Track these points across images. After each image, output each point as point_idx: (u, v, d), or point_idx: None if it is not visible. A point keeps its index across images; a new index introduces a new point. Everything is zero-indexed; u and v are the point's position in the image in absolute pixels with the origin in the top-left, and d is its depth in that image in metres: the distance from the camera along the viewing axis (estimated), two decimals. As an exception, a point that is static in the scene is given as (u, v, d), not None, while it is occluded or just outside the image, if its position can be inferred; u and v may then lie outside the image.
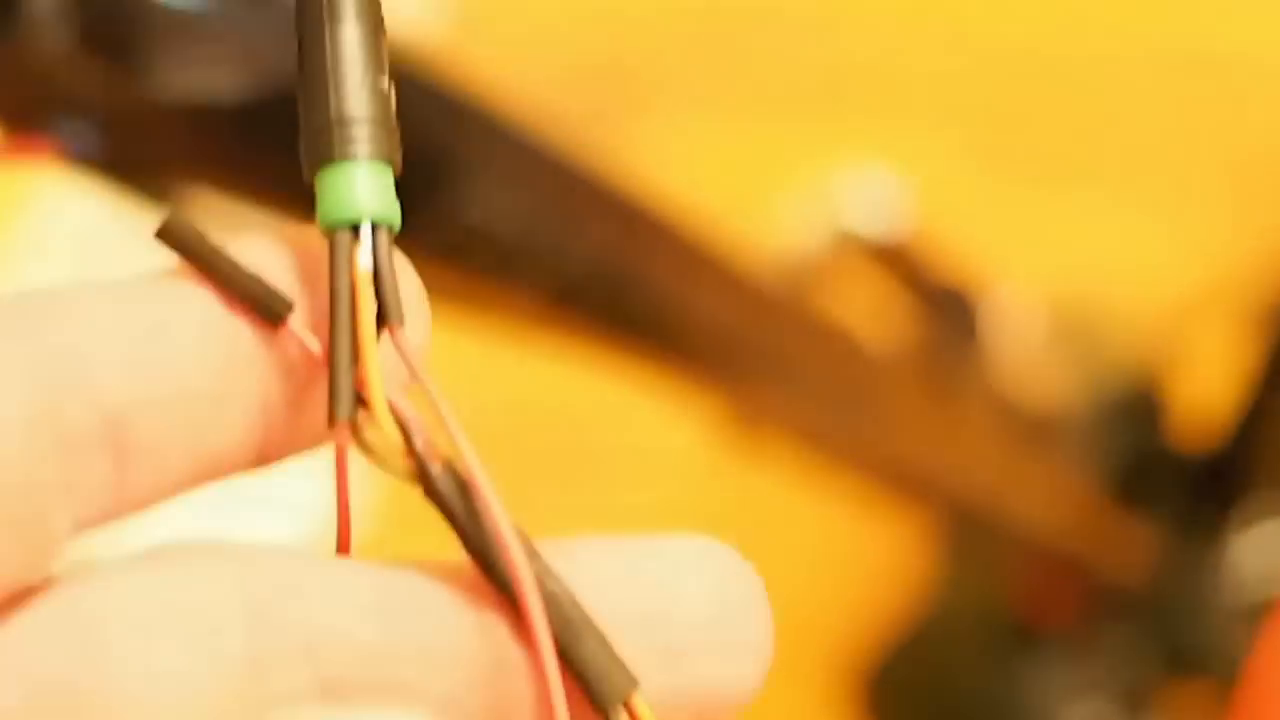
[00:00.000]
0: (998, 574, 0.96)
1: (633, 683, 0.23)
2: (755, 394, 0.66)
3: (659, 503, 0.96)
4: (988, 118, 1.17)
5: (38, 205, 1.01)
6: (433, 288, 0.48)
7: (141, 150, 0.39)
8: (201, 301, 0.23)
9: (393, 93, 0.24)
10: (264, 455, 0.24)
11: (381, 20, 0.25)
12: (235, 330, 0.23)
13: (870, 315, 0.76)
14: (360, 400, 0.23)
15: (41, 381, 0.22)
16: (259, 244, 0.24)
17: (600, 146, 0.52)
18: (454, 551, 0.24)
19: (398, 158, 0.24)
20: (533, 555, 0.23)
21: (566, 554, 0.24)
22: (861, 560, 1.00)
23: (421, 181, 0.45)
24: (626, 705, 0.23)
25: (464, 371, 0.98)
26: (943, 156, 1.14)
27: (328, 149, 0.24)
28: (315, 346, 0.24)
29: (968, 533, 0.94)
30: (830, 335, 0.68)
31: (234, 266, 0.23)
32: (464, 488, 0.23)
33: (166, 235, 0.23)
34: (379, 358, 0.23)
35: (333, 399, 0.23)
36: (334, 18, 0.24)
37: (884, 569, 0.99)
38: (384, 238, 0.24)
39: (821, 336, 0.67)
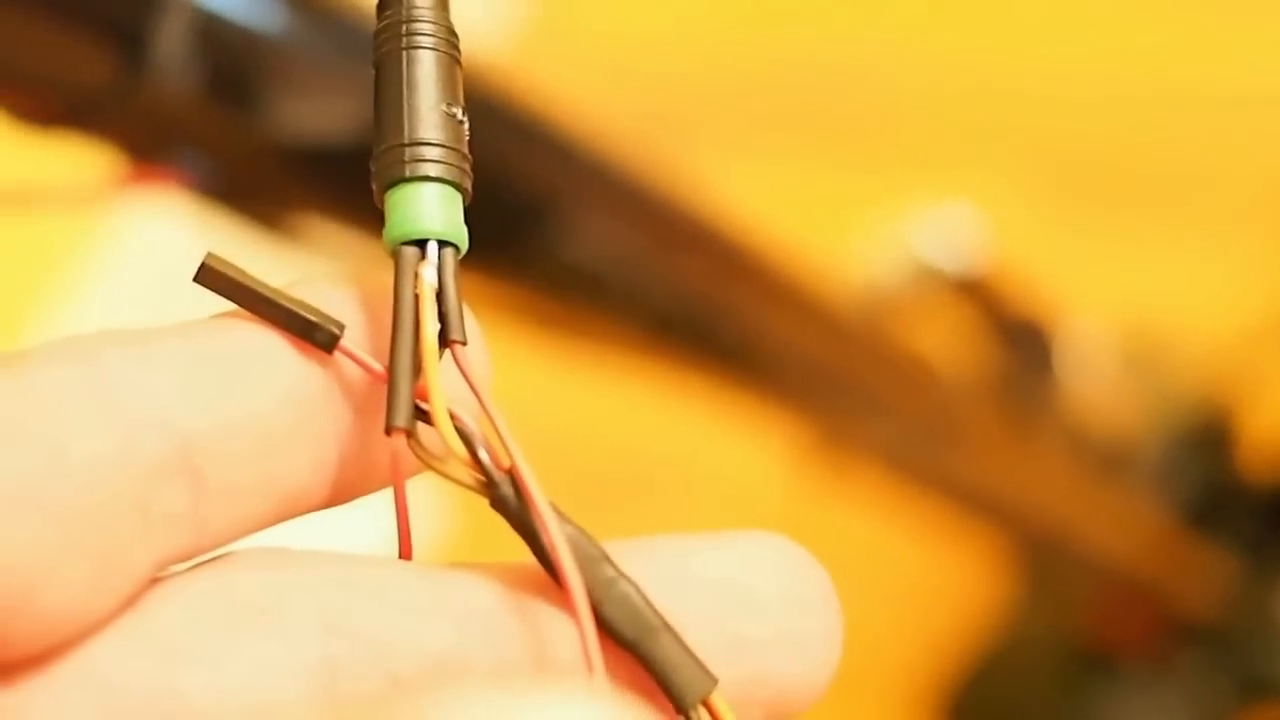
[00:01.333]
0: (1072, 602, 0.96)
1: (712, 681, 0.23)
2: (834, 424, 0.67)
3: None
4: (1060, 155, 1.17)
5: (143, 234, 1.03)
6: (522, 317, 0.50)
7: (257, 184, 0.40)
8: (265, 334, 0.23)
9: (466, 123, 0.25)
10: (339, 491, 0.24)
11: (458, 54, 0.25)
12: (300, 360, 0.23)
13: (947, 347, 0.76)
14: (421, 413, 0.23)
15: (115, 415, 0.22)
16: (315, 281, 0.24)
17: (685, 182, 0.53)
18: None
19: (468, 185, 0.25)
20: (602, 558, 0.23)
21: (636, 553, 0.24)
22: (937, 589, 1.00)
23: (518, 217, 0.46)
24: (705, 704, 0.23)
25: (544, 400, 0.99)
26: (1017, 193, 1.15)
27: (399, 169, 0.24)
28: (375, 365, 0.24)
29: (1042, 561, 0.94)
30: (908, 367, 0.69)
31: (280, 298, 0.23)
32: (522, 496, 0.23)
33: (207, 277, 0.23)
34: (440, 370, 0.23)
35: (390, 408, 0.23)
36: (412, 45, 0.25)
37: (959, 597, 0.99)
38: (450, 256, 0.24)
39: (900, 368, 0.68)
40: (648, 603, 0.23)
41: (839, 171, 1.17)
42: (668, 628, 0.23)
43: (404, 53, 0.25)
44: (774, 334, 0.59)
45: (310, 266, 0.42)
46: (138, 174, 0.37)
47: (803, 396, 0.62)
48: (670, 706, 0.23)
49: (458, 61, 0.25)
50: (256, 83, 0.37)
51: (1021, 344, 0.80)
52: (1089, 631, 0.95)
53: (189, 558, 0.23)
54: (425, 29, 0.25)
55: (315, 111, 0.38)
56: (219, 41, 0.36)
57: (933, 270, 0.76)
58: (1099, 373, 0.86)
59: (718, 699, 0.23)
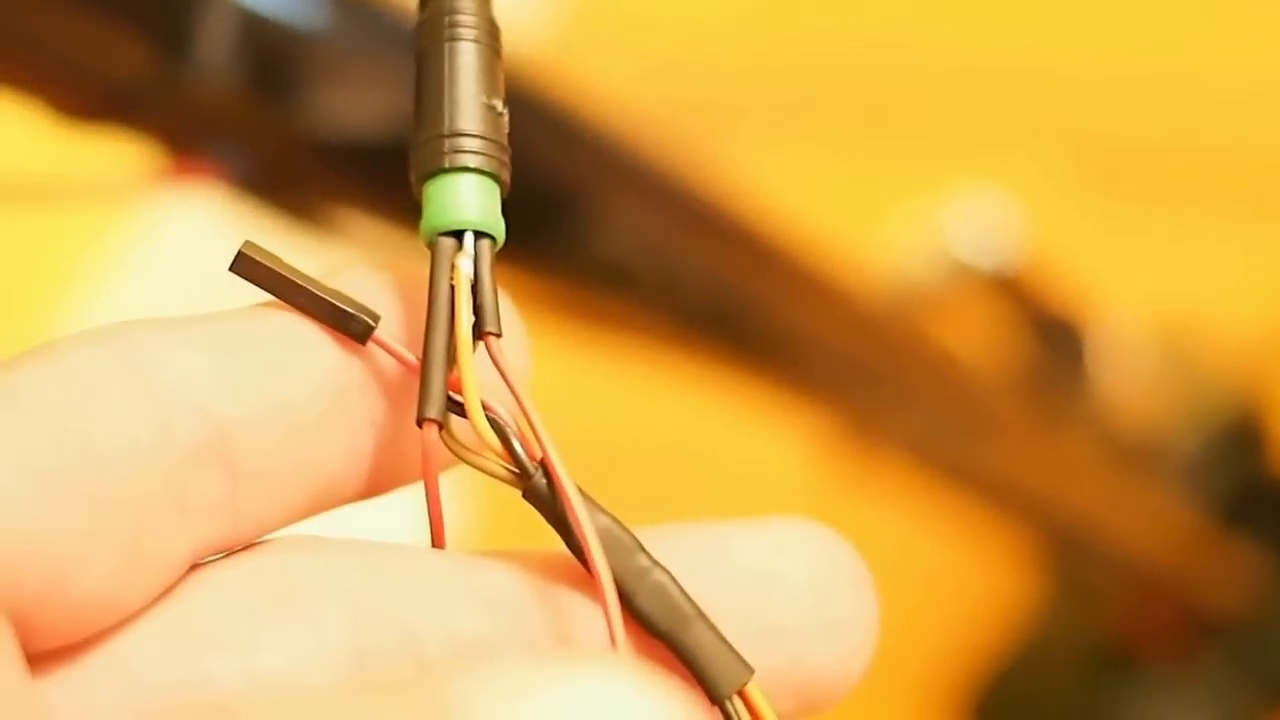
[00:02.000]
0: (1098, 600, 0.96)
1: (748, 671, 0.23)
2: (863, 418, 0.67)
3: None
4: (1095, 146, 1.17)
5: (181, 228, 1.04)
6: (552, 308, 0.50)
7: (296, 178, 0.41)
8: (300, 323, 0.23)
9: (506, 116, 0.25)
10: (374, 483, 0.24)
11: (499, 47, 0.25)
12: (334, 350, 0.23)
13: (979, 340, 0.76)
14: (454, 404, 0.23)
15: (150, 401, 0.22)
16: (352, 271, 0.24)
17: (716, 173, 0.53)
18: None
19: (506, 176, 0.25)
20: (636, 548, 0.23)
21: (667, 539, 0.24)
22: (963, 584, 1.00)
23: (549, 209, 0.46)
24: (741, 694, 0.23)
25: (572, 391, 0.99)
26: (1051, 184, 1.14)
27: (437, 159, 0.24)
28: (409, 356, 0.24)
29: (1070, 559, 0.94)
30: (938, 360, 0.69)
31: (315, 288, 0.23)
32: (553, 487, 0.23)
33: (243, 266, 0.23)
34: (474, 361, 0.23)
35: (422, 398, 0.23)
36: (454, 37, 0.25)
37: (985, 593, 0.99)
38: (486, 248, 0.24)
39: (930, 361, 0.68)
40: (682, 592, 0.23)
41: (873, 161, 1.17)
42: (702, 617, 0.23)
43: (446, 45, 0.25)
44: (804, 326, 0.59)
45: (346, 259, 0.43)
46: (177, 167, 0.37)
47: (831, 389, 0.62)
48: (705, 697, 0.23)
49: (499, 55, 0.25)
50: (296, 77, 0.38)
51: (1053, 338, 0.80)
52: (1115, 629, 0.95)
53: (225, 547, 0.23)
54: (467, 22, 0.25)
55: (354, 105, 0.39)
56: (260, 36, 0.36)
57: (965, 262, 0.76)
58: (1131, 367, 0.86)
59: (753, 689, 0.23)
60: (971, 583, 1.00)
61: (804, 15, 1.24)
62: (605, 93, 0.49)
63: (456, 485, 0.25)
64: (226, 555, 0.23)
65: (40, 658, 0.21)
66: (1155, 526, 0.85)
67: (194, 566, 0.23)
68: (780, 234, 0.55)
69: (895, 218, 0.89)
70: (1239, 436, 0.96)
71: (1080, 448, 0.78)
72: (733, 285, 0.55)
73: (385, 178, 0.40)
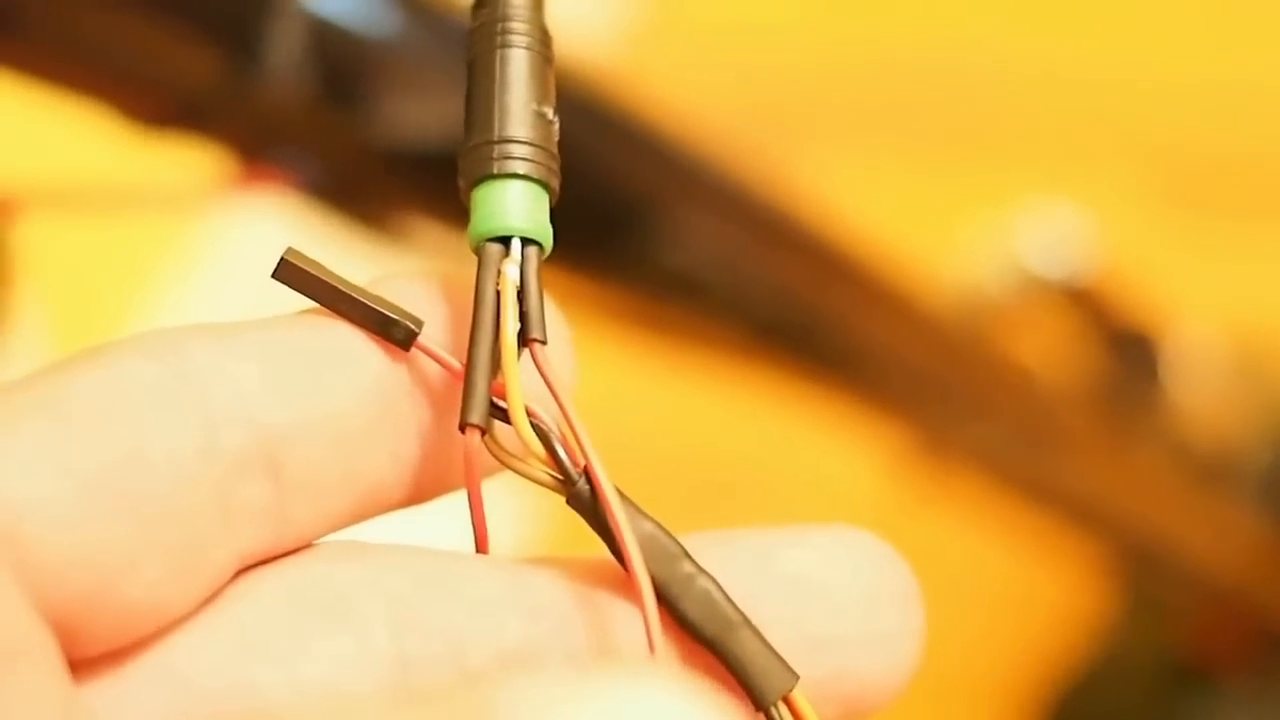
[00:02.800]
0: (1172, 615, 0.95)
1: (793, 678, 0.23)
2: (935, 431, 0.66)
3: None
4: (1167, 157, 1.16)
5: (251, 234, 1.04)
6: (621, 318, 0.50)
7: (365, 185, 0.41)
8: (346, 330, 0.23)
9: (557, 124, 0.25)
10: (420, 489, 0.24)
11: (551, 55, 0.25)
12: (380, 357, 0.23)
13: (1051, 354, 0.76)
14: (499, 410, 0.23)
15: (198, 408, 0.22)
16: (397, 278, 0.24)
17: (787, 184, 0.53)
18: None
19: (555, 184, 0.25)
20: (681, 555, 0.23)
21: (715, 546, 0.24)
22: (1036, 600, 0.99)
23: (619, 219, 0.46)
24: (786, 700, 0.23)
25: (640, 401, 1.00)
26: (1124, 195, 1.14)
27: (486, 165, 0.24)
28: (454, 362, 0.24)
29: (1143, 573, 0.93)
30: (1010, 373, 0.68)
31: (358, 294, 0.23)
32: (596, 494, 0.23)
33: (286, 273, 0.23)
34: (519, 368, 0.23)
35: (465, 404, 0.23)
36: (506, 44, 0.25)
37: (1057, 608, 0.99)
38: (533, 254, 0.24)
39: (1001, 375, 0.68)
40: (727, 599, 0.23)
41: (945, 172, 1.16)
42: (748, 624, 0.23)
43: (498, 51, 0.25)
44: (874, 338, 0.58)
45: (413, 266, 0.43)
46: (246, 175, 0.37)
47: (901, 402, 0.62)
48: (750, 704, 0.23)
49: (551, 62, 0.25)
50: (365, 85, 0.38)
51: (1126, 351, 0.79)
52: (1188, 643, 0.94)
53: (272, 554, 0.23)
54: (519, 29, 0.25)
55: (423, 114, 0.39)
56: (329, 44, 0.36)
57: (1037, 274, 0.76)
58: (1205, 380, 0.86)
59: (798, 696, 0.23)
60: (1043, 597, 0.99)
61: (875, 25, 1.23)
62: (677, 100, 0.49)
63: (511, 491, 0.25)
64: (274, 562, 0.23)
65: (85, 664, 0.21)
66: (1228, 540, 0.85)
67: (239, 573, 0.23)
68: (851, 245, 0.55)
69: (967, 229, 0.89)
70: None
71: (1153, 461, 0.78)
72: (803, 297, 0.54)
73: (453, 185, 0.40)
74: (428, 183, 0.40)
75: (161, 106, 0.35)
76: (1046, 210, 0.87)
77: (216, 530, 0.22)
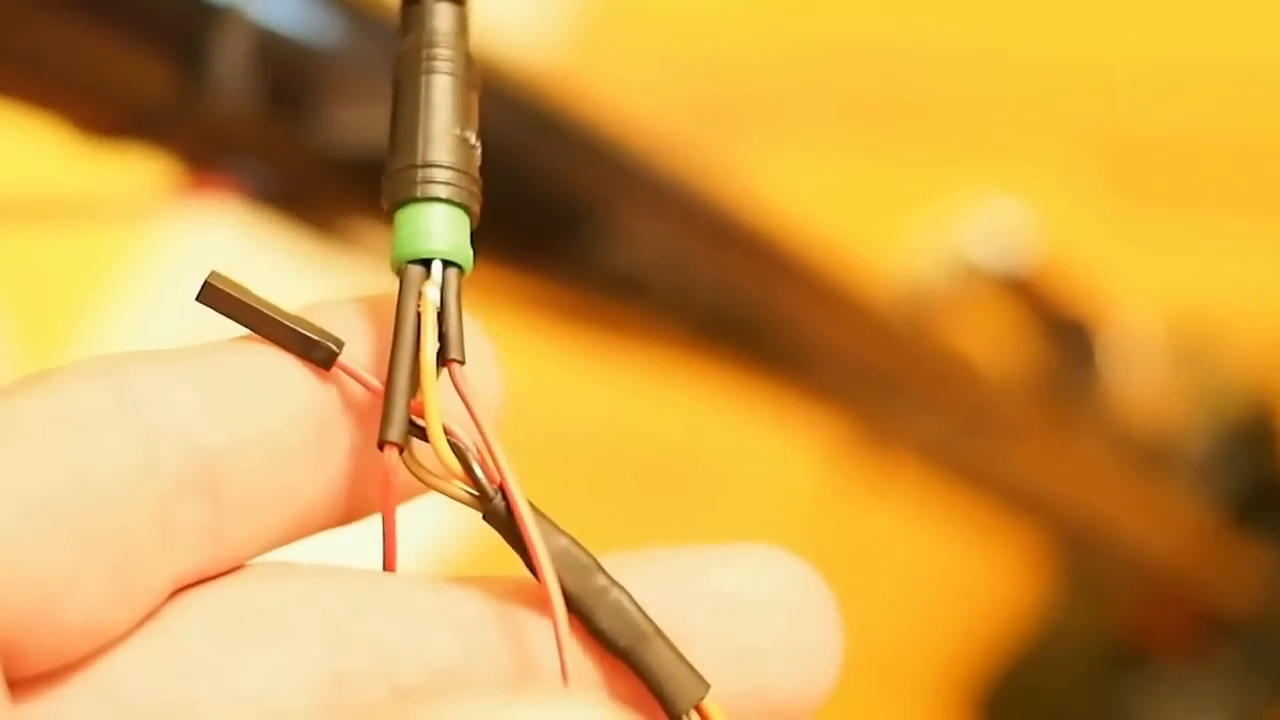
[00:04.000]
0: (1110, 598, 0.96)
1: (703, 686, 0.24)
2: (876, 422, 0.67)
3: (773, 526, 0.97)
4: (1107, 143, 1.17)
5: (200, 243, 1.04)
6: (563, 314, 0.50)
7: (313, 192, 0.41)
8: (279, 355, 0.24)
9: (479, 148, 0.25)
10: (352, 508, 0.25)
11: (476, 80, 0.26)
12: (310, 379, 0.24)
13: (991, 344, 0.77)
14: (419, 429, 0.24)
15: (138, 433, 0.22)
16: (323, 301, 0.25)
17: (728, 178, 0.54)
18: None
19: (477, 207, 0.25)
20: (594, 568, 0.24)
21: (638, 565, 0.24)
22: (973, 584, 1.00)
23: (561, 218, 0.46)
24: (698, 709, 0.24)
25: (581, 394, 1.00)
26: (1063, 183, 1.14)
27: (409, 188, 0.25)
28: (374, 382, 0.24)
29: (1081, 557, 0.94)
30: (950, 364, 0.69)
31: (280, 316, 0.24)
32: (511, 511, 0.24)
33: (210, 296, 0.24)
34: (437, 387, 0.24)
35: (384, 422, 0.23)
36: (431, 70, 0.25)
37: (996, 593, 0.99)
38: (454, 276, 0.24)
39: (942, 365, 0.68)
40: (640, 610, 0.24)
41: (885, 165, 1.17)
42: (659, 634, 0.24)
43: (422, 77, 0.25)
44: (817, 332, 0.59)
45: (364, 271, 0.43)
46: (195, 183, 0.37)
47: (843, 393, 0.63)
48: (664, 713, 0.24)
49: (475, 88, 0.26)
50: (312, 93, 0.38)
51: (1066, 339, 0.80)
52: (1127, 627, 0.95)
53: (207, 573, 0.23)
54: (444, 55, 0.25)
55: (369, 120, 0.39)
56: (276, 54, 0.36)
57: (977, 265, 0.77)
58: (1144, 366, 0.86)
59: (710, 704, 0.24)
60: (983, 582, 1.00)
61: (815, 18, 1.24)
62: (620, 95, 0.49)
63: (447, 507, 0.25)
64: (210, 581, 0.23)
65: (24, 683, 0.22)
66: (1167, 526, 0.86)
67: (175, 592, 0.23)
68: (793, 240, 0.56)
69: (907, 222, 0.89)
70: (1251, 436, 0.96)
71: (1093, 448, 0.79)
72: (746, 292, 0.55)
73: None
74: (374, 188, 0.40)
75: (109, 117, 0.35)
76: (986, 202, 0.88)
77: (155, 550, 0.22)
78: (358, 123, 0.39)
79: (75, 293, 1.09)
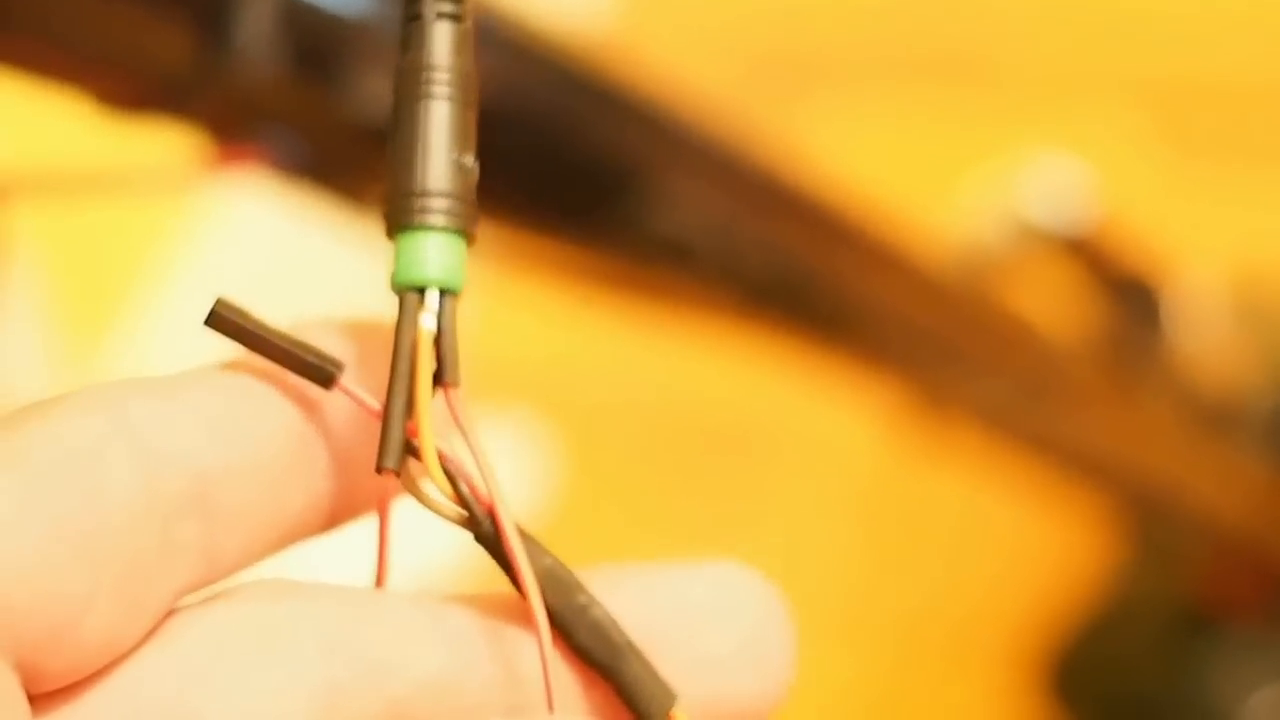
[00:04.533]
0: (1179, 563, 0.95)
1: (672, 697, 0.25)
2: (936, 388, 0.66)
3: (834, 493, 0.97)
4: (1164, 98, 1.16)
5: (232, 214, 1.04)
6: (616, 284, 0.50)
7: (342, 161, 0.41)
8: (272, 377, 0.26)
9: (476, 170, 0.26)
10: (336, 518, 0.27)
11: (475, 100, 0.26)
12: (303, 400, 0.26)
13: (1052, 306, 0.76)
14: (413, 449, 0.25)
15: (143, 458, 0.24)
16: (323, 324, 0.27)
17: (779, 141, 0.53)
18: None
19: (474, 230, 0.26)
20: (576, 587, 0.25)
21: (616, 580, 0.26)
22: (1042, 551, 0.99)
23: (611, 186, 0.46)
24: (669, 717, 0.25)
25: (639, 363, 1.00)
26: (1125, 139, 1.13)
27: (407, 216, 0.26)
28: (372, 403, 0.26)
29: (1149, 522, 0.93)
30: (1011, 327, 0.68)
31: (282, 340, 0.25)
32: (498, 532, 0.25)
33: (215, 321, 0.25)
34: (432, 415, 0.25)
35: (382, 447, 0.25)
36: (429, 94, 0.26)
37: (1064, 560, 0.99)
38: (450, 303, 0.26)
39: (1002, 328, 0.67)
40: (616, 627, 0.25)
41: (941, 123, 1.16)
42: (633, 649, 0.25)
43: (420, 102, 0.26)
44: (873, 297, 0.58)
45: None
46: (224, 154, 0.37)
47: (901, 359, 0.62)
48: None
49: (473, 107, 0.26)
50: (339, 61, 0.38)
51: (1128, 300, 0.79)
52: (1196, 591, 0.95)
53: (200, 587, 0.25)
54: (442, 78, 0.26)
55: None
56: (302, 22, 0.36)
57: (1037, 226, 0.76)
58: (1209, 324, 0.85)
59: (679, 714, 0.25)
60: (1049, 549, 0.99)
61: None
62: (669, 58, 0.49)
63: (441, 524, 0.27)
64: (208, 598, 0.25)
65: (40, 699, 0.23)
66: (1236, 486, 0.85)
67: (174, 610, 0.24)
68: (846, 203, 0.55)
69: (963, 182, 0.88)
70: (1320, 393, 0.94)
71: (1158, 410, 0.78)
72: (798, 257, 0.54)
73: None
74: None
75: (135, 89, 0.35)
76: (1044, 160, 0.87)
77: (159, 569, 0.24)
78: (385, 89, 0.38)
79: (111, 267, 1.10)
